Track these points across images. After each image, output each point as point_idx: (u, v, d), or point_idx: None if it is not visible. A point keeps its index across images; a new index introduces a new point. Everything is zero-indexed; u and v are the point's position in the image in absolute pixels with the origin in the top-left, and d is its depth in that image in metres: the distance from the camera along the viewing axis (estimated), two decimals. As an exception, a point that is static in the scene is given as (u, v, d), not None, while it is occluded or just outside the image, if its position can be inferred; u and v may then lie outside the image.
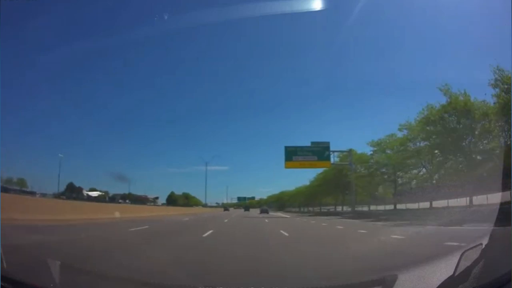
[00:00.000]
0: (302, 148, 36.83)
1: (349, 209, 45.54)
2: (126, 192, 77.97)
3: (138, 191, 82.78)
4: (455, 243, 7.23)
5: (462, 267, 2.55)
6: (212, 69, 79.49)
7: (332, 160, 37.91)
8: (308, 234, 14.43)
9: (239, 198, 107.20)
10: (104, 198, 71.44)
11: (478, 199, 21.78)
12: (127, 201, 70.36)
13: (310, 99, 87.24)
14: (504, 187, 15.75)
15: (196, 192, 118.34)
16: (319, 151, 36.42)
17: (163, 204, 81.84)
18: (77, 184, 70.71)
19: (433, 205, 29.32)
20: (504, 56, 20.77)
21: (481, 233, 7.94)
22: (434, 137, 26.64)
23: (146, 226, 15.57)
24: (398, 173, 35.49)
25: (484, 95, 22.85)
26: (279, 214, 55.64)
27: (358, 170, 40.87)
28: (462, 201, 24.50)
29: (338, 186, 45.27)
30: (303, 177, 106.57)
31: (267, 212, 52.42)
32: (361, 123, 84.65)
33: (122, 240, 10.16)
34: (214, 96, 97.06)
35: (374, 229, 16.28)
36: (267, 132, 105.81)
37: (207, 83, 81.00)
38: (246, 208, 78.27)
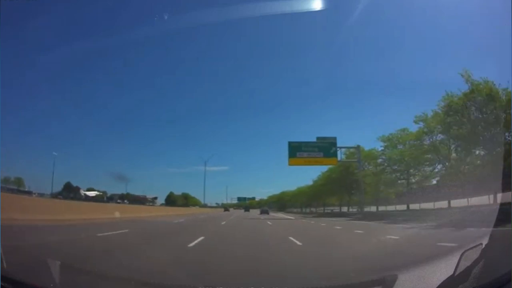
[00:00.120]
0: (307, 144, 34.02)
1: (354, 210, 44.05)
2: (124, 192, 77.93)
3: (137, 191, 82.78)
4: None
5: (462, 267, 2.55)
6: (212, 69, 79.55)
7: (338, 157, 35.02)
8: (325, 242, 10.89)
9: (239, 199, 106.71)
10: (102, 198, 71.26)
11: (504, 196, 17.83)
12: (125, 201, 70.04)
13: (310, 99, 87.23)
14: None
15: (196, 193, 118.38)
16: (325, 147, 33.66)
17: (161, 205, 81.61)
18: (74, 184, 70.84)
19: (451, 204, 26.62)
20: (504, 56, 20.71)
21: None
22: (455, 128, 24.05)
23: (125, 230, 12.88)
24: (411, 170, 32.91)
25: (507, 82, 20.90)
26: (281, 215, 53.74)
27: (366, 168, 38.57)
28: (484, 200, 21.69)
29: (344, 185, 42.72)
30: (304, 177, 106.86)
31: (267, 212, 52.08)
32: (361, 123, 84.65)
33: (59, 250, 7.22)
34: (214, 96, 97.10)
35: (413, 235, 12.53)
36: (267, 132, 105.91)
37: (207, 83, 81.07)
38: (246, 209, 78.11)
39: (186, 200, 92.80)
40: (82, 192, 70.96)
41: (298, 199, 72.89)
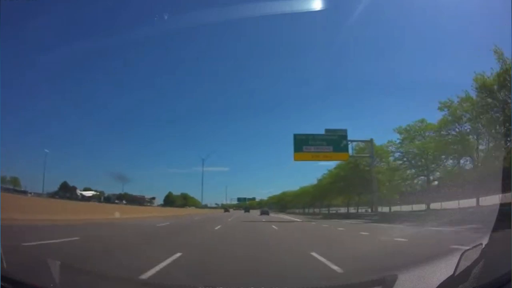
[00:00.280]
0: (314, 137, 30.43)
1: (363, 210, 42.25)
2: (122, 192, 77.57)
3: (135, 191, 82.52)
4: None
5: (462, 267, 2.55)
6: (212, 69, 79.78)
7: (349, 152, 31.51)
8: (374, 264, 6.13)
9: (239, 199, 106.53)
10: (99, 198, 70.94)
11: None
12: (123, 201, 69.80)
13: (311, 99, 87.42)
14: None
15: (196, 193, 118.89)
16: (335, 141, 30.05)
17: (159, 205, 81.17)
18: (71, 184, 70.47)
19: (480, 203, 23.12)
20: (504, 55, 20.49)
21: None
22: (491, 112, 20.87)
23: (75, 238, 9.42)
24: (432, 165, 30.27)
25: None
26: (284, 216, 49.96)
27: (378, 165, 35.62)
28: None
29: (355, 183, 39.17)
30: (305, 177, 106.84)
31: (267, 213, 51.67)
32: (362, 123, 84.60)
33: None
34: (214, 96, 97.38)
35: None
36: (267, 132, 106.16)
37: (207, 83, 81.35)
38: (246, 209, 77.94)
39: (185, 201, 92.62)
40: (79, 192, 70.50)
41: (301, 200, 70.96)
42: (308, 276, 4.92)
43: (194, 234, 13.66)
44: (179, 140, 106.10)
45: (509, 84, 19.40)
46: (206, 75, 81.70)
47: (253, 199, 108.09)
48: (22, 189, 54.32)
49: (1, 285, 2.56)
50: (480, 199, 23.34)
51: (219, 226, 17.94)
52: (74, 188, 70.21)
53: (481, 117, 22.00)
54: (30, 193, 51.09)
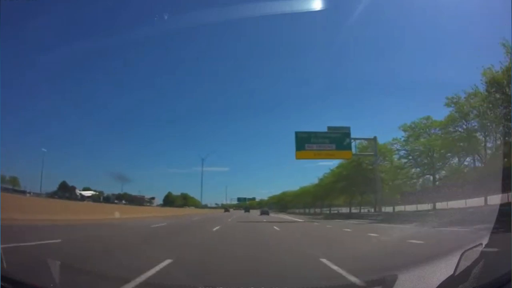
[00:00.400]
0: (316, 134, 29.55)
1: (365, 210, 41.28)
2: (121, 192, 77.77)
3: (135, 192, 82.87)
4: None
5: (462, 267, 2.55)
6: (212, 69, 79.92)
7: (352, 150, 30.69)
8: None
9: (239, 199, 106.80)
10: (98, 198, 70.96)
11: None
12: (122, 201, 69.80)
13: (311, 99, 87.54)
14: None
15: (196, 193, 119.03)
16: (338, 138, 29.24)
17: (157, 205, 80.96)
18: (70, 183, 70.54)
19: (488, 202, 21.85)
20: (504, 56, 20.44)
21: None
22: (500, 108, 19.87)
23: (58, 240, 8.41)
24: (439, 163, 29.62)
25: None
26: (285, 216, 48.94)
27: (382, 163, 35.06)
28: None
29: (357, 182, 38.50)
30: (305, 177, 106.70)
31: (267, 213, 51.88)
32: (362, 123, 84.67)
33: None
34: (214, 96, 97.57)
35: None
36: (267, 132, 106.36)
37: (207, 83, 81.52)
38: (246, 209, 77.97)
39: (185, 201, 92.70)
40: (78, 191, 70.52)
41: (301, 200, 70.43)
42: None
43: (187, 238, 11.31)
44: (179, 140, 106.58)
45: None
46: (206, 75, 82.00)
47: (253, 199, 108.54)
48: (22, 189, 54.21)
49: (1, 285, 2.56)
50: (488, 198, 22.32)
51: (217, 227, 16.33)
52: (73, 188, 70.25)
53: (489, 113, 21.26)
54: (29, 192, 50.90)
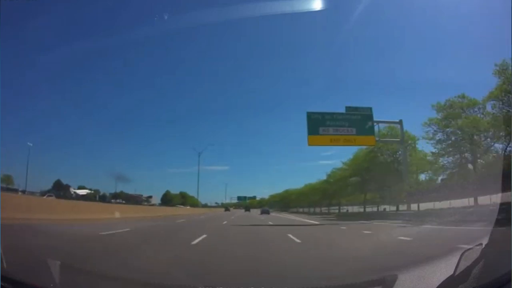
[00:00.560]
0: (333, 116, 24.84)
1: (383, 209, 35.03)
2: (117, 190, 76.92)
3: (130, 190, 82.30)
4: None
5: (462, 267, 2.54)
6: (212, 69, 79.90)
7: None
8: None
9: (239, 198, 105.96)
10: (94, 197, 70.38)
11: None
12: (118, 200, 69.19)
13: (310, 99, 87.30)
14: None
15: (195, 192, 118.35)
16: (359, 121, 24.69)
17: (154, 204, 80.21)
18: (64, 182, 70.11)
19: None
20: (504, 56, 20.14)
21: None
22: None
23: None
24: (479, 149, 24.12)
25: None
26: (289, 216, 42.47)
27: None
28: None
29: (375, 177, 32.76)
30: (305, 177, 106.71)
31: (268, 213, 51.43)
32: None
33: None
34: (214, 96, 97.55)
35: None
36: (267, 132, 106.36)
37: (207, 83, 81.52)
38: (247, 209, 77.66)
39: (184, 199, 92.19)
40: (72, 190, 69.85)
41: (306, 198, 63.79)
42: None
43: (164, 252, 7.45)
44: (179, 140, 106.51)
45: None
46: (206, 75, 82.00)
47: (254, 197, 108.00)
48: (15, 187, 53.59)
49: (1, 285, 2.56)
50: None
51: (202, 237, 10.36)
52: (68, 187, 69.78)
53: None
54: (22, 191, 50.27)
